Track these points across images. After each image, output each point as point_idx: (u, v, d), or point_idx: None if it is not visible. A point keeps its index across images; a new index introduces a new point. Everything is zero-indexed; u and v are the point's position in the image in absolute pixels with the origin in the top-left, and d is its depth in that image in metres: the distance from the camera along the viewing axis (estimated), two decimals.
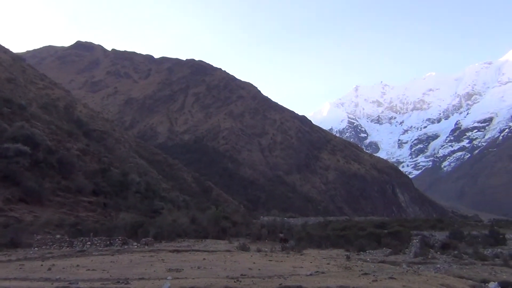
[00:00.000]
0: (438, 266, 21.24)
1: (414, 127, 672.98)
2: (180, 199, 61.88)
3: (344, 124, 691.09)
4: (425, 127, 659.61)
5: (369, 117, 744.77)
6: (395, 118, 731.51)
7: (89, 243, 27.20)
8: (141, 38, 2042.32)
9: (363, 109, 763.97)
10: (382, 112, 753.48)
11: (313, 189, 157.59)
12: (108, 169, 51.63)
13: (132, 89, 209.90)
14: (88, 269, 15.43)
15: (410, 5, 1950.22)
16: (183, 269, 15.43)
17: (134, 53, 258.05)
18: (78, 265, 16.76)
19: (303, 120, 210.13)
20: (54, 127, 56.95)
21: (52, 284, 12.11)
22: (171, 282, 12.10)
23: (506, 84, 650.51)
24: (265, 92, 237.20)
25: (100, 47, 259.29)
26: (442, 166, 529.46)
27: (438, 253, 28.75)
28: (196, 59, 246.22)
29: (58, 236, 28.30)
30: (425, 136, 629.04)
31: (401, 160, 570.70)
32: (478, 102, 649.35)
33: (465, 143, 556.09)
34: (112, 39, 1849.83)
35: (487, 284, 14.79)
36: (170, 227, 36.02)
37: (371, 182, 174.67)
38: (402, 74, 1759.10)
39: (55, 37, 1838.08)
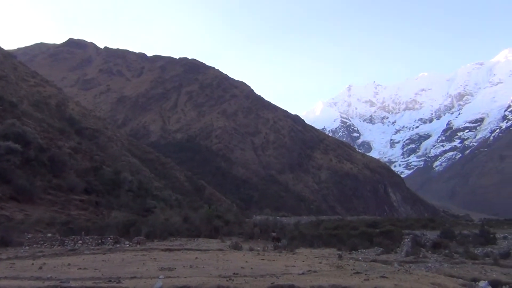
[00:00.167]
0: (429, 265, 21.37)
1: (406, 127, 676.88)
2: (172, 198, 61.72)
3: (337, 124, 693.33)
4: (417, 127, 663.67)
5: (361, 116, 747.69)
6: (387, 118, 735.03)
7: (80, 242, 27.04)
8: (134, 36, 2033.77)
9: (356, 108, 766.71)
10: (375, 111, 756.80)
11: (306, 188, 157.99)
12: (100, 167, 51.35)
13: (124, 87, 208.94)
14: (80, 268, 15.34)
15: (404, 5, 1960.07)
16: (175, 268, 15.40)
17: (127, 51, 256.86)
18: (69, 264, 16.65)
19: (296, 119, 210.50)
20: (45, 125, 56.55)
21: (43, 283, 12.03)
22: (163, 281, 12.07)
23: (497, 84, 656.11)
24: (258, 91, 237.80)
25: (92, 45, 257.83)
26: (434, 166, 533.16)
27: (429, 252, 28.92)
28: (189, 57, 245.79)
29: (49, 234, 28.10)
30: (417, 136, 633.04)
31: (393, 160, 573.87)
32: (470, 102, 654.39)
33: (456, 143, 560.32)
34: (105, 37, 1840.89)
35: (477, 283, 14.90)
36: (163, 226, 35.92)
37: (363, 181, 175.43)
38: (395, 74, 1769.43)
39: (47, 34, 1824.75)
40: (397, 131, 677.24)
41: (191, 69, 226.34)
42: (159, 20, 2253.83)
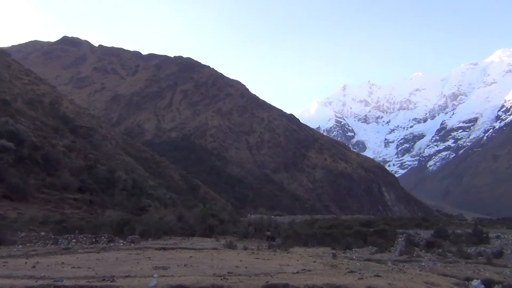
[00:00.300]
0: (423, 264, 21.48)
1: (400, 127, 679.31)
2: (167, 196, 61.59)
3: (332, 123, 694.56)
4: (411, 126, 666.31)
5: (356, 116, 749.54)
6: (382, 117, 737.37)
7: (74, 240, 26.94)
8: (129, 34, 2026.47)
9: (351, 108, 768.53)
10: (369, 111, 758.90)
11: (300, 188, 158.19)
12: (94, 166, 51.16)
13: (119, 86, 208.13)
14: (73, 267, 15.29)
15: (399, 6, 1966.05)
16: (169, 267, 15.38)
17: (121, 49, 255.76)
18: (63, 263, 16.59)
19: (291, 118, 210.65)
20: (39, 123, 56.26)
21: (37, 281, 11.98)
22: (158, 279, 12.06)
23: (491, 85, 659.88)
24: (253, 90, 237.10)
25: (87, 43, 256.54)
26: (428, 165, 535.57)
27: (423, 251, 29.06)
28: (184, 56, 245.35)
29: (42, 233, 27.97)
30: (411, 135, 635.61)
31: (388, 159, 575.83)
32: (464, 102, 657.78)
33: (450, 142, 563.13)
34: (99, 35, 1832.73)
35: (470, 282, 15.00)
36: (157, 225, 35.84)
37: (357, 181, 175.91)
38: (390, 74, 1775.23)
39: (41, 32, 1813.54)
40: (392, 130, 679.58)
41: (186, 67, 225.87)
42: (154, 19, 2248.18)
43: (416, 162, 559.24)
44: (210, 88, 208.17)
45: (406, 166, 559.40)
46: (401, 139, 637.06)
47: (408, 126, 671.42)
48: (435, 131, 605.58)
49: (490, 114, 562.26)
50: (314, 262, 19.66)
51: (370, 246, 32.50)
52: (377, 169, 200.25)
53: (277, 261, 19.13)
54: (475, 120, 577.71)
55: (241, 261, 18.33)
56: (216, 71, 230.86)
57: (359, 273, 14.92)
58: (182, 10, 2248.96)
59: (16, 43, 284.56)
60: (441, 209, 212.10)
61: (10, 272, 14.00)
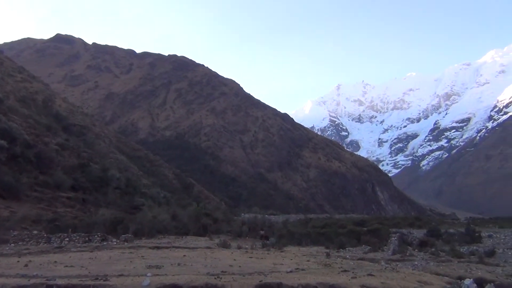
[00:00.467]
0: (416, 263, 21.57)
1: (394, 126, 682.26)
2: (160, 195, 61.43)
3: (326, 122, 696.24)
4: (404, 126, 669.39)
5: (350, 115, 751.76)
6: (375, 117, 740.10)
7: (67, 239, 26.80)
8: (123, 32, 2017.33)
9: (345, 107, 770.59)
10: (363, 111, 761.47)
11: (294, 187, 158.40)
12: (87, 164, 50.90)
13: (113, 84, 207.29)
14: (66, 266, 15.21)
15: (393, 6, 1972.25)
16: (163, 266, 15.35)
17: (115, 47, 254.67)
18: (56, 262, 16.51)
19: (285, 117, 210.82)
20: (32, 121, 55.88)
21: (29, 280, 11.91)
22: (151, 278, 12.02)
23: (483, 85, 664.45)
24: (247, 89, 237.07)
25: (80, 41, 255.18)
26: (421, 165, 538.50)
27: (416, 250, 29.18)
28: (179, 54, 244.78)
29: (35, 232, 27.82)
30: (404, 135, 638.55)
31: (381, 159, 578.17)
32: (457, 102, 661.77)
33: (443, 142, 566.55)
34: (93, 33, 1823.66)
35: (462, 280, 15.07)
36: (151, 224, 35.72)
37: (351, 180, 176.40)
38: (383, 73, 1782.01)
39: (34, 29, 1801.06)
40: (385, 130, 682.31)
41: (180, 66, 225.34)
42: (149, 17, 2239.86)
43: (410, 162, 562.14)
44: (204, 87, 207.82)
45: (399, 165, 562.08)
46: (395, 138, 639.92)
47: (402, 125, 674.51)
48: (428, 131, 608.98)
49: (482, 114, 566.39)
50: (308, 261, 19.70)
51: (363, 245, 32.60)
52: (370, 168, 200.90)
53: (271, 260, 19.14)
54: (468, 120, 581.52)
55: (234, 260, 18.33)
56: (211, 70, 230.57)
57: (353, 272, 14.97)
58: (177, 8, 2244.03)
59: (8, 40, 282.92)
60: (434, 208, 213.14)
61: (2, 271, 13.90)
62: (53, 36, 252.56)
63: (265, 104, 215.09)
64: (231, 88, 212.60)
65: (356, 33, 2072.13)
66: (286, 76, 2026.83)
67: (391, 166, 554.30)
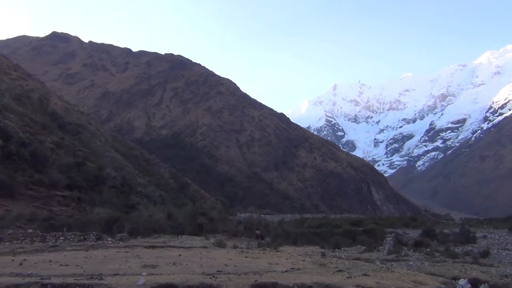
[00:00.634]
0: (411, 263, 21.63)
1: (390, 127, 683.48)
2: (156, 194, 61.45)
3: (322, 122, 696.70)
4: (400, 126, 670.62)
5: (346, 115, 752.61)
6: (371, 117, 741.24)
7: (62, 238, 26.75)
8: (119, 31, 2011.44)
9: (341, 107, 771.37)
10: (359, 111, 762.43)
11: (290, 187, 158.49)
12: (83, 163, 50.81)
13: (109, 82, 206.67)
14: (61, 265, 15.18)
15: (389, 6, 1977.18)
16: (158, 265, 15.34)
17: (111, 45, 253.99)
18: (50, 260, 16.47)
19: (282, 117, 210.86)
20: (27, 119, 55.70)
21: (24, 279, 11.87)
22: (146, 278, 12.01)
23: (479, 86, 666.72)
24: (244, 88, 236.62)
25: (76, 39, 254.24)
26: (416, 165, 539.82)
27: (411, 250, 29.26)
28: (175, 53, 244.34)
29: (30, 230, 27.76)
30: (400, 135, 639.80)
31: (377, 159, 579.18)
32: (452, 103, 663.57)
33: (439, 143, 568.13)
34: (89, 31, 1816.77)
35: (457, 281, 15.13)
36: (146, 223, 35.73)
37: (347, 180, 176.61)
38: (380, 74, 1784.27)
39: (29, 27, 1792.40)
40: (381, 130, 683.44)
41: (177, 65, 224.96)
42: (145, 16, 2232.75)
43: (405, 162, 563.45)
44: (201, 86, 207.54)
45: (395, 166, 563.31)
46: (391, 139, 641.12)
47: (398, 126, 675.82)
48: (424, 131, 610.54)
49: (478, 115, 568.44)
50: (303, 261, 19.74)
51: (358, 245, 32.65)
52: (366, 168, 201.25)
53: (266, 259, 19.17)
54: (463, 121, 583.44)
55: (230, 259, 18.35)
56: (207, 69, 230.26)
57: (348, 272, 15.01)
58: (173, 7, 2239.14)
59: (4, 37, 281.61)
60: (429, 208, 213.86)
61: None
62: (49, 34, 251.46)
63: (261, 103, 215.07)
64: (227, 88, 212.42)
65: (352, 34, 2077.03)
66: (282, 75, 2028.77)
67: (387, 166, 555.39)
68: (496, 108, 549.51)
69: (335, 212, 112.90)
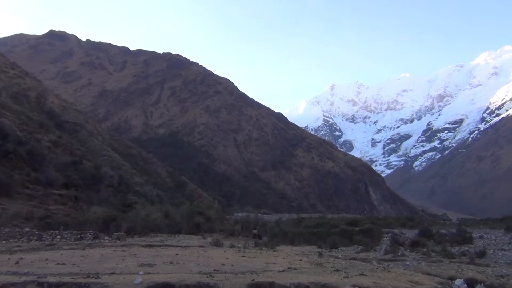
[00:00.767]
0: (407, 263, 21.68)
1: (387, 127, 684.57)
2: (153, 193, 61.41)
3: (320, 122, 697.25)
4: (398, 127, 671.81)
5: (344, 115, 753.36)
6: (369, 117, 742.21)
7: (59, 236, 26.70)
8: (117, 29, 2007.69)
9: (339, 107, 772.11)
10: (357, 111, 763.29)
11: (288, 186, 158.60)
12: (80, 161, 50.72)
13: (106, 81, 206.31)
14: (58, 263, 15.15)
15: (387, 7, 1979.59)
16: (155, 264, 15.33)
17: (109, 44, 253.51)
18: (47, 259, 16.43)
19: (279, 117, 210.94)
20: (24, 117, 55.56)
21: (20, 278, 11.84)
22: (143, 277, 12.00)
23: (476, 87, 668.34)
24: (242, 88, 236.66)
25: (74, 37, 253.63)
26: (414, 165, 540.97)
27: (408, 250, 29.31)
28: (173, 52, 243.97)
29: (26, 229, 27.68)
30: (397, 136, 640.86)
31: (374, 159, 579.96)
32: (450, 104, 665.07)
33: (436, 143, 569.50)
34: (87, 30, 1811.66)
35: (453, 281, 15.17)
36: (143, 222, 35.70)
37: (344, 180, 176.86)
38: (377, 74, 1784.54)
39: (27, 25, 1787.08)
40: (379, 130, 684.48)
41: (175, 64, 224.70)
42: (143, 14, 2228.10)
43: (402, 162, 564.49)
44: (199, 85, 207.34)
45: (392, 166, 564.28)
46: (388, 139, 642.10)
47: (395, 126, 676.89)
48: (421, 131, 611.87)
49: (475, 116, 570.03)
50: (300, 260, 19.75)
51: (355, 245, 32.70)
52: (363, 168, 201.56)
53: (263, 259, 19.17)
54: (460, 121, 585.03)
55: (227, 259, 18.35)
56: (205, 68, 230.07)
57: (345, 272, 15.02)
58: (172, 6, 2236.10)
59: (1, 36, 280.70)
60: (426, 208, 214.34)
61: None
62: (47, 32, 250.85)
63: (259, 103, 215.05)
64: (225, 87, 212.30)
65: (351, 34, 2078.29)
66: (280, 75, 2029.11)
67: (384, 167, 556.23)
68: (493, 109, 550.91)
69: (332, 212, 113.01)
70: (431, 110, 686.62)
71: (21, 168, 40.93)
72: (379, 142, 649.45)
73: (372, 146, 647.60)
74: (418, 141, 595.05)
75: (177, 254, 19.90)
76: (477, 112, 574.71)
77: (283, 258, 20.33)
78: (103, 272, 13.03)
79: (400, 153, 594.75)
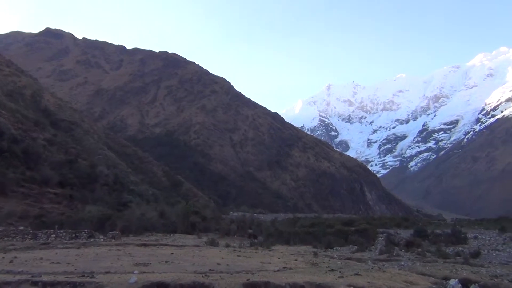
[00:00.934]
0: (402, 263, 21.75)
1: (383, 127, 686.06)
2: (149, 192, 61.29)
3: (316, 122, 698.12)
4: (393, 127, 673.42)
5: (340, 116, 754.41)
6: (365, 117, 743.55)
7: (53, 235, 26.61)
8: (114, 28, 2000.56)
9: (335, 107, 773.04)
10: (353, 111, 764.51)
11: (283, 186, 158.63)
12: (75, 160, 50.55)
13: (102, 80, 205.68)
14: (52, 262, 15.10)
15: (384, 8, 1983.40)
16: (150, 263, 15.31)
17: (105, 42, 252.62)
18: (41, 258, 16.38)
19: (275, 116, 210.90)
20: (19, 115, 55.30)
21: (14, 277, 11.79)
22: (138, 276, 11.98)
23: (472, 88, 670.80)
24: (238, 87, 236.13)
25: (70, 35, 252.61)
26: (409, 166, 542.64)
27: (403, 250, 29.42)
28: (170, 51, 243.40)
29: (21, 227, 27.58)
30: (393, 136, 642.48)
31: (370, 159, 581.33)
32: (445, 104, 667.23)
33: (431, 144, 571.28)
34: (83, 28, 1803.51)
35: (448, 281, 15.25)
36: (138, 221, 35.63)
37: (340, 180, 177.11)
38: (374, 74, 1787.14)
39: (23, 23, 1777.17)
40: (374, 131, 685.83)
41: (171, 63, 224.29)
42: (140, 13, 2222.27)
43: (398, 163, 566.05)
44: (195, 85, 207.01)
45: (388, 166, 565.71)
46: (384, 139, 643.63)
47: (391, 126, 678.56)
48: (417, 132, 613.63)
49: (470, 117, 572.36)
50: (296, 260, 19.78)
51: (351, 245, 32.79)
52: (359, 168, 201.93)
53: (259, 259, 19.19)
54: (456, 122, 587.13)
55: (222, 258, 18.35)
56: (201, 67, 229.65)
57: (340, 272, 15.06)
58: (168, 5, 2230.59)
59: None
60: (421, 209, 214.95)
61: None
62: (43, 30, 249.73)
63: (255, 102, 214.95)
64: (221, 86, 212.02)
65: (347, 34, 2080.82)
66: (277, 75, 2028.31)
67: (380, 167, 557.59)
68: (488, 110, 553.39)
69: (327, 212, 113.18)
70: (426, 111, 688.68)
71: (16, 167, 40.76)
72: (375, 142, 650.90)
73: (368, 146, 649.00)
74: (414, 141, 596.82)
75: (172, 253, 19.89)
76: (472, 113, 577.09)
77: (279, 258, 20.35)
78: (98, 271, 13.00)
79: (395, 153, 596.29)
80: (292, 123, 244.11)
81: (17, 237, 25.66)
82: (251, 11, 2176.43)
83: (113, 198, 45.92)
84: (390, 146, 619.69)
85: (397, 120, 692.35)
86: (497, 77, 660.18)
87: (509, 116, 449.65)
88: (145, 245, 24.53)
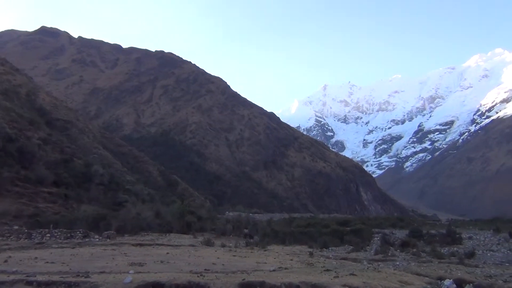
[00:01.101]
0: (397, 263, 21.82)
1: (379, 128, 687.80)
2: (144, 192, 61.06)
3: (312, 122, 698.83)
4: (389, 128, 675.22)
5: (336, 116, 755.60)
6: (361, 118, 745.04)
7: (48, 235, 26.51)
8: (109, 27, 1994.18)
9: (331, 108, 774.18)
10: (349, 111, 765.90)
11: (279, 186, 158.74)
12: (70, 159, 50.36)
13: (98, 79, 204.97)
14: (47, 262, 15.05)
15: (379, 8, 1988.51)
16: (145, 263, 15.28)
17: (101, 41, 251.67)
18: (36, 258, 16.32)
19: (272, 116, 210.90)
20: (14, 114, 55.00)
21: (9, 276, 11.73)
22: (133, 276, 11.95)
23: (467, 89, 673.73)
24: (234, 87, 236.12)
25: (66, 34, 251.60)
26: (404, 166, 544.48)
27: (398, 250, 29.52)
28: (166, 51, 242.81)
29: (16, 227, 27.47)
30: (389, 136, 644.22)
31: (366, 160, 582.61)
32: (441, 105, 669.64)
33: (427, 144, 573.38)
34: (79, 26, 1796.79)
35: (442, 281, 15.30)
36: (134, 221, 35.56)
37: (336, 180, 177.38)
38: (370, 75, 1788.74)
39: (18, 21, 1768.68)
40: (370, 131, 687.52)
41: (167, 62, 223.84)
42: (136, 12, 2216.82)
43: (393, 163, 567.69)
44: (191, 84, 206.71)
45: (383, 166, 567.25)
46: (379, 140, 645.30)
47: (386, 127, 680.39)
48: (412, 132, 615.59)
49: (465, 118, 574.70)
50: (291, 260, 19.80)
51: (346, 245, 32.88)
52: (355, 169, 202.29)
53: (254, 258, 19.19)
54: (451, 123, 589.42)
55: (218, 258, 18.34)
56: (198, 67, 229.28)
57: (335, 272, 15.09)
58: (165, 4, 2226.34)
59: None
60: (416, 209, 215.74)
61: None
62: (38, 29, 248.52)
63: (251, 102, 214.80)
64: (218, 86, 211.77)
65: (343, 34, 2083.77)
66: (273, 75, 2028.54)
67: (375, 167, 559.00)
68: (484, 111, 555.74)
69: (323, 212, 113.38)
70: (422, 112, 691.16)
71: (11, 166, 40.54)
72: (371, 142, 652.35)
73: (364, 146, 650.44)
74: (409, 142, 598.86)
75: (167, 253, 19.86)
76: (467, 114, 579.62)
77: (274, 258, 20.37)
78: (93, 271, 12.96)
79: (391, 154, 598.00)
80: (288, 123, 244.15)
81: (11, 237, 25.55)
82: (247, 11, 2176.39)
83: (108, 198, 45.77)
84: (385, 147, 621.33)
85: (393, 120, 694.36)
86: (492, 78, 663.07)
87: (504, 117, 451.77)
88: (140, 245, 24.49)
